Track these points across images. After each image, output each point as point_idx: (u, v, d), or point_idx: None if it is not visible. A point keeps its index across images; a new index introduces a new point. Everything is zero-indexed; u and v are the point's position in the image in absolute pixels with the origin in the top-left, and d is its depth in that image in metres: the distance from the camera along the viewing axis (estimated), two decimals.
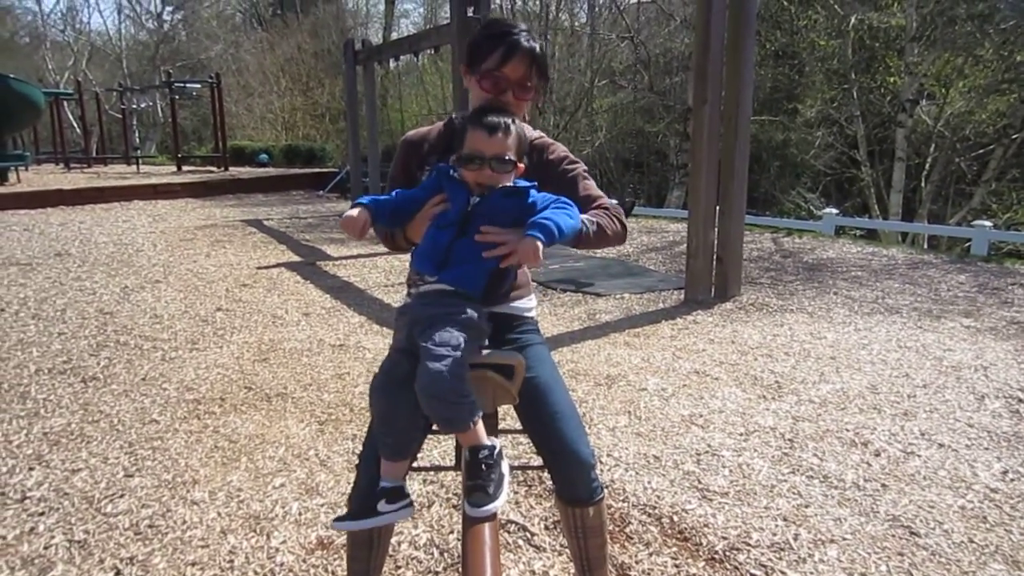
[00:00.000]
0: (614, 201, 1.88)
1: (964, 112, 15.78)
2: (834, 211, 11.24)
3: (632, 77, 20.55)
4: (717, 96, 5.55)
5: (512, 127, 1.66)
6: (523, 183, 1.68)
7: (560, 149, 1.87)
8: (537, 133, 1.89)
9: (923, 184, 17.00)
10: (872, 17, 15.65)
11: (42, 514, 2.61)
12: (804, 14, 16.70)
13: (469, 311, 1.59)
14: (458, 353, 1.52)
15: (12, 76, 15.48)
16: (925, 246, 13.94)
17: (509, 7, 19.92)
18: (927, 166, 17.03)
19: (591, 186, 1.84)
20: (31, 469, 2.97)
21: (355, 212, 1.66)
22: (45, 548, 2.39)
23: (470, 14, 8.76)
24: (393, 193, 1.75)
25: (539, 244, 1.52)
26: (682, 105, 18.33)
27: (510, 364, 1.73)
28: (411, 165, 1.90)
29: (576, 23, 22.49)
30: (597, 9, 21.53)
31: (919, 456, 3.03)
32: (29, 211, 11.81)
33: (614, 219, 1.79)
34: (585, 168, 1.88)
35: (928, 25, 15.46)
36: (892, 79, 16.11)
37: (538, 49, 1.78)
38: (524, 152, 1.74)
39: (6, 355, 4.47)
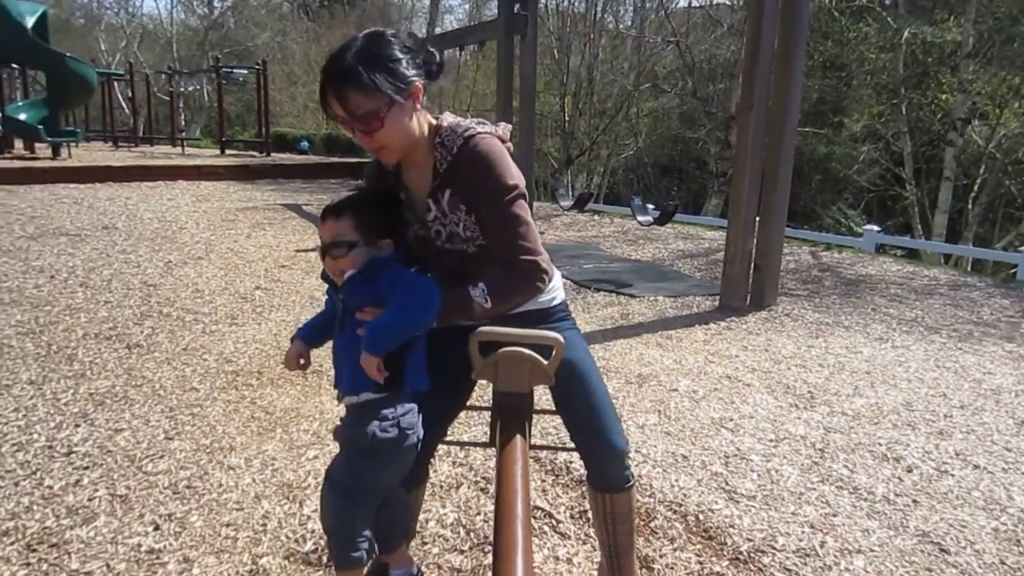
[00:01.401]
0: (538, 256, 1.62)
1: (1018, 133, 15.43)
2: (876, 228, 11.08)
3: (675, 82, 20.44)
4: (763, 103, 5.52)
5: (347, 209, 1.56)
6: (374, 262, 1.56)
7: (492, 168, 1.56)
8: (464, 134, 1.59)
9: (970, 206, 16.66)
10: (926, 32, 15.37)
11: (86, 468, 2.71)
12: (855, 26, 16.46)
13: (374, 424, 1.53)
14: (346, 497, 1.54)
15: (68, 55, 15.89)
16: (968, 269, 13.67)
17: (554, 7, 19.93)
18: (975, 187, 16.68)
19: (518, 233, 1.58)
20: (77, 426, 3.07)
21: (289, 349, 1.68)
22: (89, 500, 2.48)
23: (517, 10, 8.79)
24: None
25: (373, 360, 1.47)
26: (724, 112, 18.19)
27: (548, 344, 1.74)
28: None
29: (621, 25, 22.43)
30: (644, 12, 21.45)
31: (952, 475, 2.99)
32: (79, 185, 12.11)
33: (525, 277, 1.60)
34: (521, 194, 1.58)
35: (985, 42, 15.15)
36: (944, 96, 15.80)
37: (353, 66, 1.45)
38: (374, 228, 1.55)
39: (55, 319, 4.61)
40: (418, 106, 1.57)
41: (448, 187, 1.61)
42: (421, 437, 1.60)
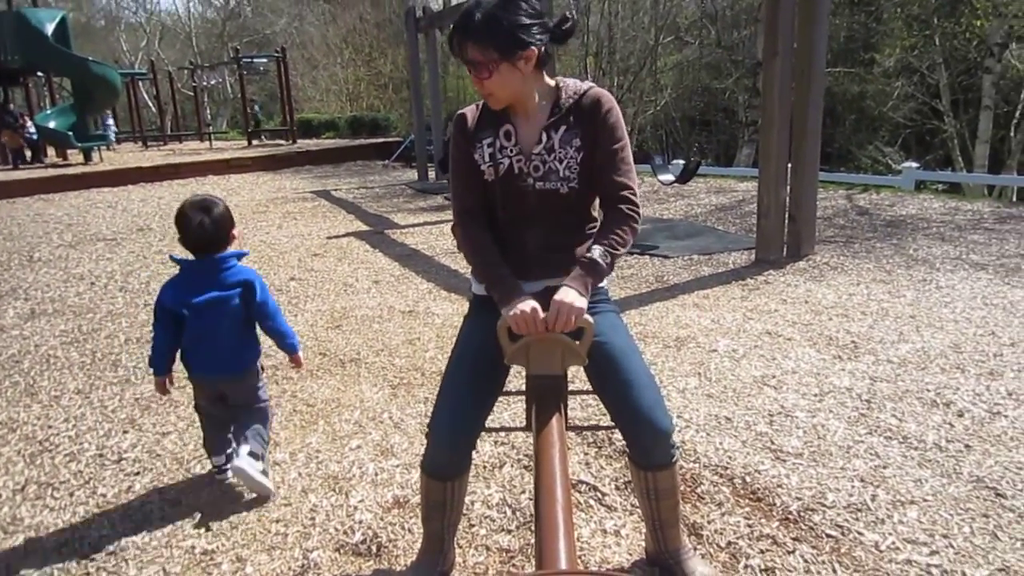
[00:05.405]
0: (637, 197, 1.76)
1: None
2: (914, 165, 10.74)
3: (698, 32, 19.97)
4: (789, 48, 5.35)
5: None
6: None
7: (612, 113, 1.75)
8: (587, 84, 1.79)
9: (1012, 133, 16.09)
10: None
11: (137, 474, 2.77)
12: None
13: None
14: None
15: (91, 59, 16.08)
16: (1014, 199, 13.22)
17: None
18: (1017, 114, 16.08)
19: (624, 171, 1.74)
20: (125, 432, 3.14)
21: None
22: (141, 505, 2.54)
23: None
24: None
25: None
26: (751, 60, 17.74)
27: (579, 326, 1.72)
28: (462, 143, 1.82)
29: None
30: None
31: (1006, 416, 2.91)
32: (112, 188, 12.33)
33: (629, 222, 1.72)
34: (626, 144, 1.77)
35: None
36: (979, 22, 15.17)
37: (478, 23, 1.60)
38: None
39: (98, 326, 4.71)
40: (530, 67, 1.69)
41: (565, 123, 1.74)
42: None
